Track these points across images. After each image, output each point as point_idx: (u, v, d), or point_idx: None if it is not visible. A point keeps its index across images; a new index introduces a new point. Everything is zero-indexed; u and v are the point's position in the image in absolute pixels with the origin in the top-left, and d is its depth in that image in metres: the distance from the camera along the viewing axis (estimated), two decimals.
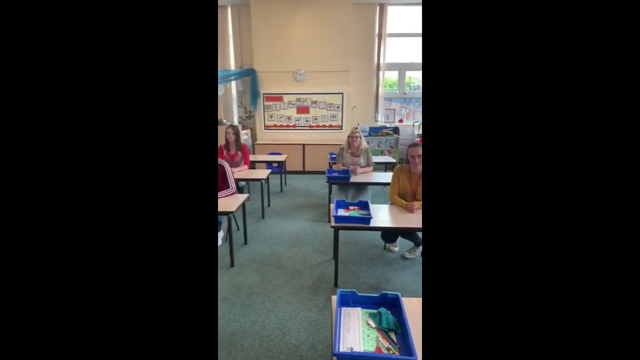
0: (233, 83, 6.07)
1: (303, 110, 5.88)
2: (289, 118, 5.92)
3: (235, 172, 3.35)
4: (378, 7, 5.77)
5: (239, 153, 3.85)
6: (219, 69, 5.91)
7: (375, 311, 1.22)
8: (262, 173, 3.71)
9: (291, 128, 5.96)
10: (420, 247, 2.68)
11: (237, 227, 3.07)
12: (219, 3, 5.69)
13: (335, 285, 2.33)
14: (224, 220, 3.00)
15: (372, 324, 1.15)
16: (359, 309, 1.26)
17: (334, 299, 1.27)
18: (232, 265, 2.62)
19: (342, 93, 5.74)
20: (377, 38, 5.94)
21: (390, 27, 5.95)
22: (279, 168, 4.84)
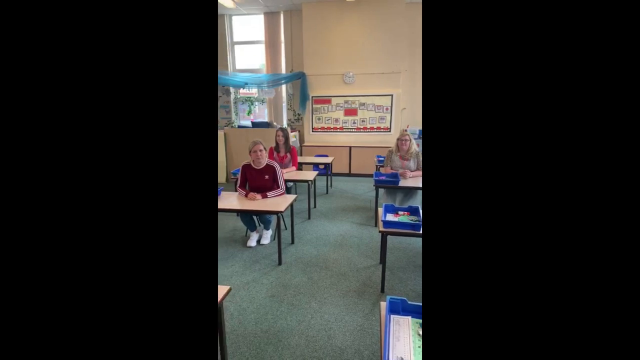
0: (283, 87, 6.25)
1: (351, 112, 5.87)
2: (336, 120, 5.95)
3: (284, 173, 3.44)
4: None
5: (288, 155, 3.96)
6: (270, 73, 6.14)
7: None
8: (310, 174, 3.77)
9: (338, 130, 5.98)
10: None
11: (285, 226, 3.16)
12: (272, 9, 5.90)
13: (382, 290, 2.29)
14: (273, 219, 3.10)
15: None
16: (409, 317, 1.22)
17: (383, 305, 1.25)
18: (279, 263, 2.69)
19: (391, 95, 5.63)
20: None
21: None
22: (325, 170, 4.88)
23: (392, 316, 1.21)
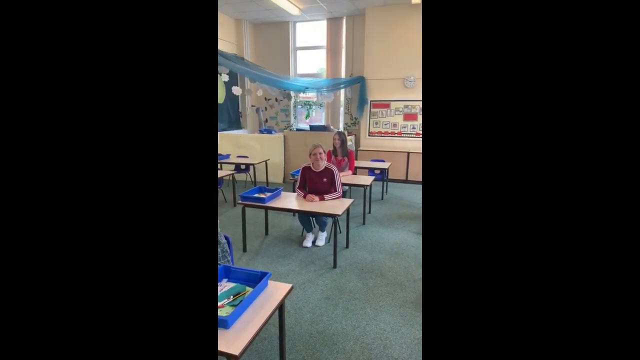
0: (342, 91, 6.30)
1: (410, 117, 5.70)
2: (394, 125, 5.83)
3: (341, 177, 3.46)
4: None
5: (345, 158, 3.96)
6: (330, 78, 6.23)
7: None
8: (366, 179, 3.74)
9: (396, 135, 5.85)
10: None
11: (340, 229, 3.16)
12: (335, 15, 5.99)
13: None
14: (329, 222, 3.13)
15: None
16: None
17: None
18: (334, 266, 2.70)
19: None
20: None
21: None
22: (381, 175, 4.79)
23: None
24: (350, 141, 5.79)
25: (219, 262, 1.90)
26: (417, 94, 5.57)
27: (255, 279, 1.45)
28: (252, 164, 4.87)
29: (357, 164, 4.67)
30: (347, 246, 3.08)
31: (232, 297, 1.36)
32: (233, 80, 5.90)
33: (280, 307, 1.44)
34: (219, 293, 1.38)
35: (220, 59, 5.36)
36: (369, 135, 6.03)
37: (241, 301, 1.30)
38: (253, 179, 5.07)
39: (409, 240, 3.25)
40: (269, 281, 1.47)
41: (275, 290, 1.43)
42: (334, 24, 6.15)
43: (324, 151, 3.05)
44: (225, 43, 6.09)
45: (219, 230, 1.87)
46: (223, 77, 5.45)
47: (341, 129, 6.37)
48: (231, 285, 1.45)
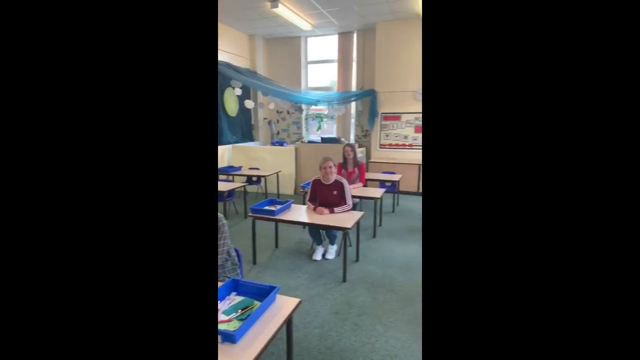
0: (353, 104, 6.35)
1: (421, 129, 5.69)
2: (405, 137, 5.82)
3: (351, 189, 3.46)
4: None
5: (356, 170, 3.97)
6: (341, 91, 6.29)
7: None
8: (377, 192, 3.72)
9: (407, 147, 5.83)
10: None
11: (350, 243, 3.15)
12: (346, 30, 6.09)
13: None
14: (339, 235, 3.12)
15: None
16: None
17: None
18: (344, 280, 2.68)
19: None
20: None
21: None
22: (392, 187, 4.77)
23: None
24: (361, 153, 5.80)
25: (229, 275, 1.92)
26: None
27: (264, 293, 1.46)
28: (264, 176, 4.92)
29: (368, 176, 4.66)
30: (357, 260, 3.06)
31: (240, 310, 1.36)
32: (246, 94, 6.03)
33: (288, 322, 1.43)
34: (228, 306, 1.39)
35: (233, 73, 5.51)
36: (379, 147, 6.03)
37: (249, 315, 1.30)
38: (264, 191, 5.12)
39: (420, 254, 3.20)
40: (278, 295, 1.47)
41: (283, 305, 1.43)
42: (345, 38, 6.26)
43: (334, 164, 3.07)
44: (239, 58, 6.25)
45: (229, 243, 1.89)
46: (236, 91, 5.58)
47: (352, 140, 6.39)
48: (240, 298, 1.46)
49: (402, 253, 3.24)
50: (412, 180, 5.57)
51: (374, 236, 3.68)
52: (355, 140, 6.42)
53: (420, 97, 5.58)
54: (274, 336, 1.25)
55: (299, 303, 1.47)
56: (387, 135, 5.96)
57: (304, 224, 3.03)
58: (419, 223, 4.17)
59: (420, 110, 5.61)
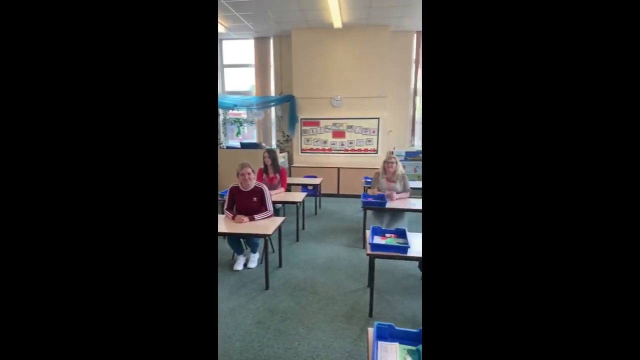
0: (273, 109, 6.34)
1: (339, 134, 5.97)
2: (325, 142, 6.04)
3: (273, 195, 3.44)
4: (415, 35, 5.85)
5: (277, 176, 3.96)
6: (260, 96, 6.23)
7: (414, 348, 1.17)
8: (298, 196, 3.78)
9: (327, 152, 6.05)
10: None
11: (272, 249, 3.12)
12: (262, 35, 6.07)
13: (370, 315, 2.27)
14: (260, 242, 3.07)
15: None
16: (397, 344, 1.21)
17: (370, 331, 1.24)
18: (267, 287, 2.64)
19: (378, 118, 5.77)
20: (413, 64, 5.98)
21: None
22: (314, 191, 4.89)
23: (379, 343, 1.20)
24: (282, 158, 5.82)
25: None
26: (344, 112, 5.87)
27: None
28: None
29: (290, 180, 4.69)
30: (280, 265, 3.05)
31: None
32: None
33: None
34: None
35: None
36: (301, 152, 6.14)
37: None
38: None
39: (340, 254, 3.35)
40: None
41: None
42: (261, 43, 6.22)
43: (253, 170, 3.01)
44: None
45: None
46: None
47: (274, 146, 6.38)
48: None
49: (324, 254, 3.33)
50: (332, 183, 5.79)
51: (297, 240, 3.72)
52: (277, 146, 6.42)
53: (336, 103, 5.86)
54: None
55: None
56: (307, 140, 6.10)
57: (222, 234, 2.89)
58: (339, 223, 4.36)
59: (337, 117, 5.89)
